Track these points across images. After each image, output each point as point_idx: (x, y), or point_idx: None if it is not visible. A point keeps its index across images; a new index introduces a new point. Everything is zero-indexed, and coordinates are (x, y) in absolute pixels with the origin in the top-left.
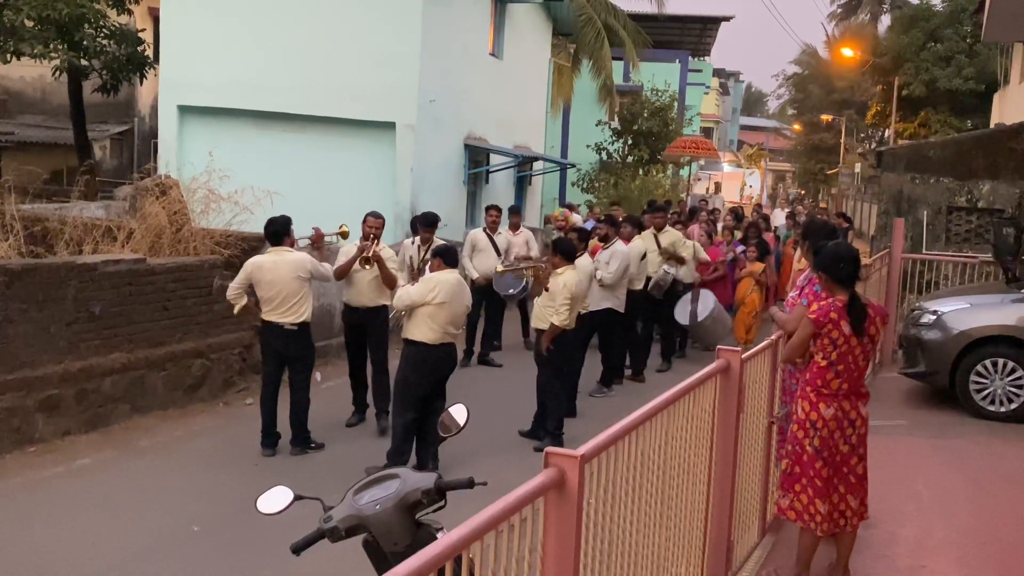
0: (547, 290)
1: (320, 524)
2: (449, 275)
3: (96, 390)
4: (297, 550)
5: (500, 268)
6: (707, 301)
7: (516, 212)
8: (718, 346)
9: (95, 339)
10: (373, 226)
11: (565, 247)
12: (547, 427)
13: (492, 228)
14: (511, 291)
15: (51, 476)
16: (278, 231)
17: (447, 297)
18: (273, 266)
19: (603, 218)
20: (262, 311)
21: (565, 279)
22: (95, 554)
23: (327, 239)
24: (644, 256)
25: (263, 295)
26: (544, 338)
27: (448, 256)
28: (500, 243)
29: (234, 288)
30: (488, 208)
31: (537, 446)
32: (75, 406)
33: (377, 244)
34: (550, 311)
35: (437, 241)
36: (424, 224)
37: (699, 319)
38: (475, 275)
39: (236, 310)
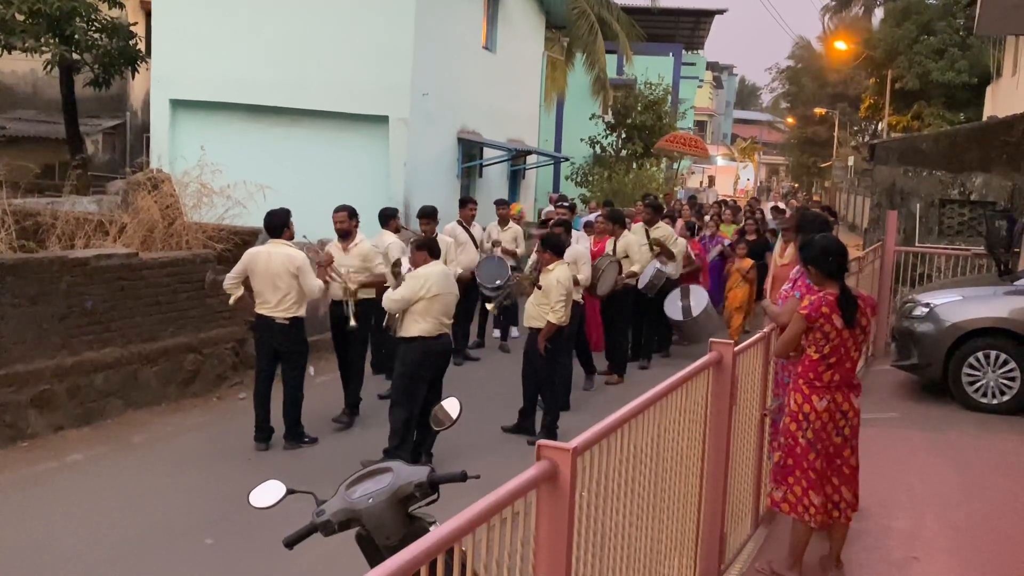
0: (539, 288)
1: (313, 518)
2: (435, 267)
3: (89, 385)
4: (290, 544)
5: (491, 308)
6: (700, 297)
7: (504, 205)
8: (711, 339)
9: (87, 334)
10: (337, 220)
11: (554, 242)
12: (544, 422)
13: (468, 221)
14: (498, 282)
15: (43, 471)
16: (276, 224)
17: (440, 288)
18: (267, 258)
19: (563, 204)
20: (256, 304)
21: (558, 275)
22: (87, 549)
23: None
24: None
25: (256, 287)
26: (541, 336)
27: (433, 248)
28: (476, 235)
29: (231, 278)
30: (466, 201)
31: (531, 439)
32: (68, 401)
33: (353, 239)
34: (545, 309)
35: (438, 233)
36: (422, 216)
37: (694, 315)
38: (459, 271)
39: (232, 300)
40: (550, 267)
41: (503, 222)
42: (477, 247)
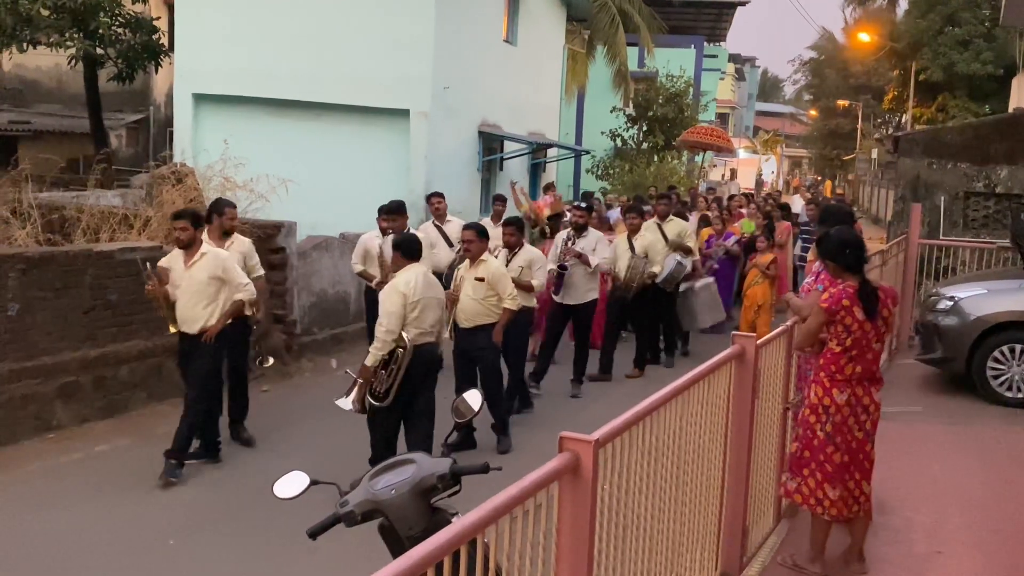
0: (481, 280)
1: (336, 509)
2: (411, 272)
3: (113, 377)
4: (313, 534)
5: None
6: (705, 280)
7: (500, 200)
8: (732, 332)
9: (112, 326)
10: (228, 216)
11: (480, 228)
12: (498, 422)
13: (439, 218)
14: None
15: (69, 462)
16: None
17: (420, 294)
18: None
19: (582, 204)
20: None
21: (496, 265)
22: (113, 539)
23: None
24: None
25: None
26: (500, 326)
27: (408, 248)
28: (450, 231)
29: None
30: (429, 196)
31: (498, 446)
32: (92, 393)
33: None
34: (491, 301)
35: (411, 229)
36: (386, 212)
37: (681, 289)
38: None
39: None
40: (484, 257)
41: (496, 218)
42: (452, 246)
